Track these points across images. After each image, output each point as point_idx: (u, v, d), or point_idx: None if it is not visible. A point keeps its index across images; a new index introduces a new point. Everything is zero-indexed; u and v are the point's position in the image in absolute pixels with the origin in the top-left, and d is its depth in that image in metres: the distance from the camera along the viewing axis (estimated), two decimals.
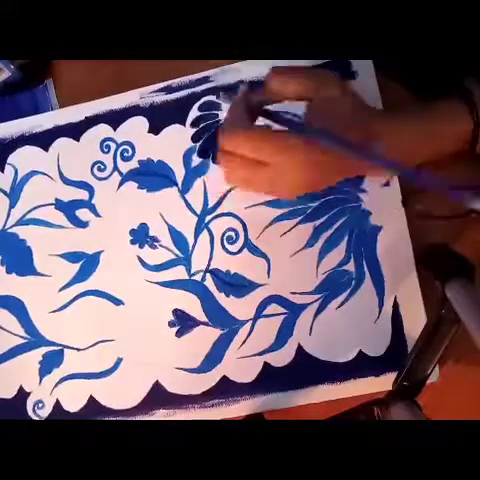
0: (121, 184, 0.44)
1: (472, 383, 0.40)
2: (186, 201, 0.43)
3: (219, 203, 0.43)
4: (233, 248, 0.42)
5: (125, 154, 0.44)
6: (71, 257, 0.44)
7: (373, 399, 0.37)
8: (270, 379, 0.41)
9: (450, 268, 0.35)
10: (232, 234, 0.42)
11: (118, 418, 0.42)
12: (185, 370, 0.42)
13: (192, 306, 0.42)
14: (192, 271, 0.42)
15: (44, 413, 0.43)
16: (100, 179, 0.44)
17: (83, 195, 0.44)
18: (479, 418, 0.39)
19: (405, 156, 0.34)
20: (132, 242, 0.43)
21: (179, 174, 0.43)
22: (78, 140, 0.45)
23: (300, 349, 0.41)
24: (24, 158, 0.45)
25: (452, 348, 0.35)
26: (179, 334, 0.42)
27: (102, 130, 0.44)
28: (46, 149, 0.45)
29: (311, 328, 0.41)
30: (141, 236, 0.43)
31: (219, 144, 0.33)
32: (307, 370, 0.41)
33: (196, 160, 0.43)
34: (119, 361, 0.43)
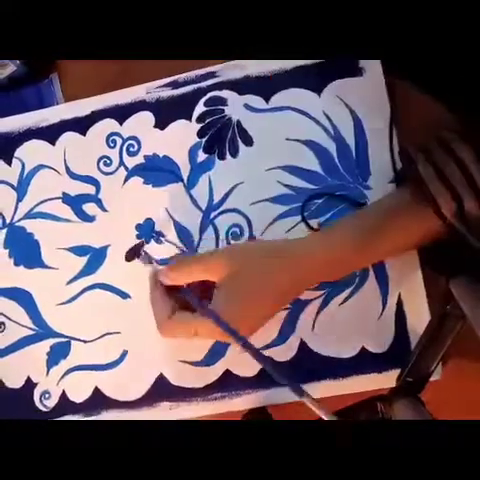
0: (127, 179, 0.44)
1: (476, 380, 0.40)
2: (191, 197, 0.43)
3: (224, 199, 0.43)
4: None
5: (131, 149, 0.44)
6: (78, 251, 0.44)
7: (376, 395, 0.37)
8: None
9: (455, 264, 0.35)
10: (237, 230, 0.42)
11: (122, 410, 0.43)
12: (189, 363, 0.42)
13: None
14: None
15: (50, 403, 0.44)
16: (106, 174, 0.44)
17: (90, 189, 0.45)
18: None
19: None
20: (138, 237, 0.44)
21: (185, 170, 0.43)
22: (84, 134, 0.45)
23: (303, 344, 0.41)
24: (31, 152, 0.46)
25: (456, 344, 0.35)
26: None
27: (108, 125, 0.45)
28: (53, 143, 0.45)
29: (314, 324, 0.41)
30: (147, 231, 0.44)
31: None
32: (309, 365, 0.41)
33: (202, 156, 0.43)
34: (124, 353, 0.43)
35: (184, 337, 0.37)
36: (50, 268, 0.45)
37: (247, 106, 0.43)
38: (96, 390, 0.43)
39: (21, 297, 0.45)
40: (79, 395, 0.44)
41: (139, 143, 0.44)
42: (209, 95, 0.43)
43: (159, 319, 0.38)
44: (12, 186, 0.46)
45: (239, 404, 0.42)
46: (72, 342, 0.44)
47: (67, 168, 0.45)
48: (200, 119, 0.43)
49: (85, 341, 0.44)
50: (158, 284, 0.38)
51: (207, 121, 0.43)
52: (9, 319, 0.45)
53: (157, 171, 0.44)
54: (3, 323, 0.45)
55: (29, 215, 0.45)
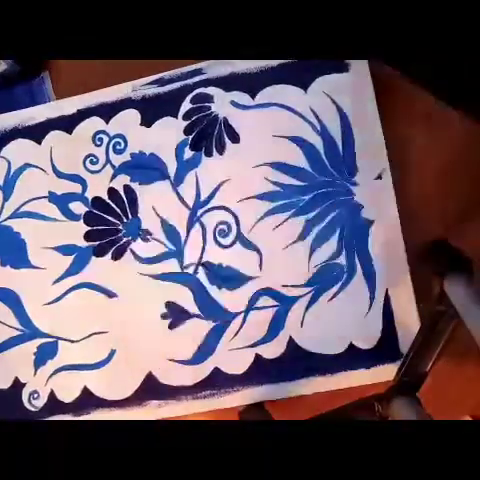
0: (113, 177, 0.44)
1: (469, 379, 0.40)
2: (178, 194, 0.43)
3: (211, 196, 0.43)
4: (225, 241, 0.42)
5: (117, 147, 0.44)
6: (64, 250, 0.44)
7: (374, 394, 0.37)
8: (261, 371, 0.41)
9: (448, 263, 0.35)
10: (224, 227, 0.42)
11: (111, 409, 0.43)
12: (177, 362, 0.42)
13: (184, 299, 0.42)
14: (184, 264, 0.43)
15: (39, 403, 0.44)
16: (92, 172, 0.44)
17: (76, 188, 0.44)
18: (474, 413, 0.40)
19: None
20: (125, 235, 0.44)
21: (171, 167, 0.43)
22: (70, 133, 0.45)
23: (291, 341, 0.41)
24: (17, 151, 0.45)
25: (450, 343, 0.35)
26: (172, 326, 0.43)
27: (94, 123, 0.44)
28: (39, 142, 0.45)
29: (302, 321, 0.41)
30: (134, 229, 0.43)
31: None
32: (298, 362, 0.41)
33: (188, 153, 0.43)
34: (113, 353, 0.43)
35: None
36: (36, 268, 0.44)
37: (233, 103, 0.43)
38: (85, 390, 0.43)
39: (8, 297, 0.44)
40: (68, 395, 0.44)
41: (125, 141, 0.44)
42: (195, 92, 0.43)
43: None
44: None
45: (228, 402, 0.42)
46: (59, 342, 0.44)
47: (53, 167, 0.45)
48: (186, 116, 0.43)
49: (72, 341, 0.44)
50: None
51: (193, 118, 0.43)
52: None
53: (144, 169, 0.43)
54: None
55: (15, 214, 0.45)
